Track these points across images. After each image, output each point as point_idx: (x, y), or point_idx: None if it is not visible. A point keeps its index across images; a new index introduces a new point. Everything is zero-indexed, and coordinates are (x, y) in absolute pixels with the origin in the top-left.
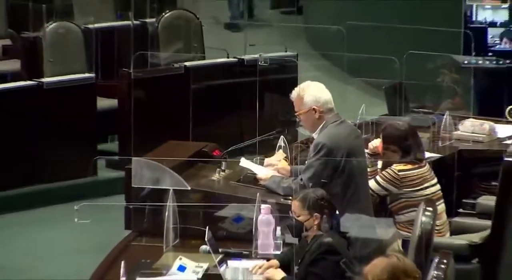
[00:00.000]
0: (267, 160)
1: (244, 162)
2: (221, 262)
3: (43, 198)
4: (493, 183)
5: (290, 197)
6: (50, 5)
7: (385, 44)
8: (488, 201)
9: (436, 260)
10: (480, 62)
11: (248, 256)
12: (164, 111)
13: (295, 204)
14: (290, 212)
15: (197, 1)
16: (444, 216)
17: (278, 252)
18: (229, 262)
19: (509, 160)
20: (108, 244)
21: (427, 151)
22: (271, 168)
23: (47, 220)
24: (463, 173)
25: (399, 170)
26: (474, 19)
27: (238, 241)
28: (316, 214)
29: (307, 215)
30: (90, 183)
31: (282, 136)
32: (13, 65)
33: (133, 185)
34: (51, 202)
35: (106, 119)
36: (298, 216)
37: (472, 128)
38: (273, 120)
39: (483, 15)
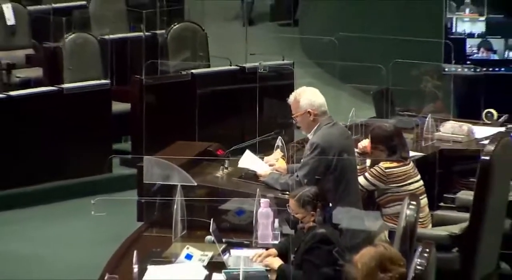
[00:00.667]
0: (266, 159)
1: (247, 155)
2: (224, 251)
3: (63, 193)
4: (471, 179)
5: (287, 192)
6: (69, 18)
7: (373, 53)
8: (466, 195)
9: (419, 249)
10: (459, 69)
11: (249, 246)
12: (173, 114)
13: (292, 203)
14: (287, 206)
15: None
16: (427, 209)
17: (276, 242)
18: (231, 251)
19: (485, 159)
20: (121, 234)
21: (411, 150)
22: (269, 164)
23: (67, 213)
24: (444, 170)
25: (386, 168)
26: (454, 30)
27: (240, 232)
28: (311, 211)
29: (303, 213)
30: (106, 179)
31: (279, 137)
32: (36, 72)
33: (144, 181)
34: (71, 197)
35: (120, 122)
36: (295, 214)
37: (452, 130)
38: (272, 122)
39: (462, 27)
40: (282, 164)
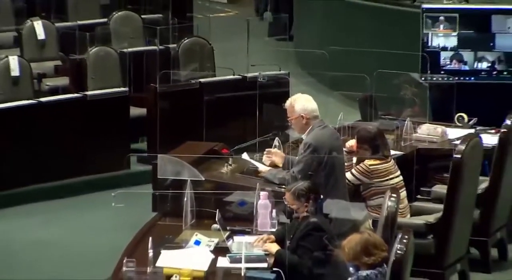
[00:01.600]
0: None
1: (246, 156)
2: (228, 237)
3: (88, 187)
4: (445, 175)
5: (284, 186)
6: (92, 33)
7: (358, 64)
8: (440, 189)
9: (399, 236)
10: (434, 79)
11: (250, 233)
12: (183, 118)
13: (288, 196)
14: (283, 198)
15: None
16: (406, 201)
17: (274, 230)
18: (235, 237)
19: (457, 157)
20: (138, 223)
21: (392, 149)
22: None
23: (91, 204)
24: (421, 167)
25: (370, 165)
26: (429, 44)
27: (242, 221)
28: (304, 202)
29: (298, 204)
30: (124, 175)
31: (277, 138)
32: (63, 81)
33: (158, 176)
34: (94, 190)
35: (137, 124)
36: (291, 205)
37: (427, 131)
38: (270, 125)
39: (437, 41)
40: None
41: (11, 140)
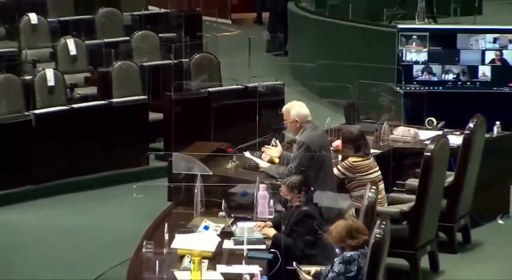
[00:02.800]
0: (263, 155)
1: (248, 153)
2: (232, 223)
3: (112, 180)
4: (417, 170)
5: (280, 180)
6: (117, 50)
7: (343, 76)
8: (413, 182)
9: (378, 222)
10: (407, 88)
11: (251, 219)
12: (194, 122)
13: (283, 188)
14: (279, 190)
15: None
16: (383, 192)
17: (271, 217)
18: (238, 223)
19: (427, 155)
20: (155, 211)
21: (372, 148)
22: (266, 158)
23: (115, 195)
24: (396, 163)
25: (353, 161)
26: (404, 59)
27: (244, 209)
28: (297, 193)
29: (292, 195)
30: (144, 170)
31: (274, 138)
32: (92, 90)
33: (173, 171)
34: (118, 183)
35: (155, 127)
36: (286, 196)
37: (402, 133)
38: (268, 127)
39: (410, 56)
40: (275, 155)
41: (48, 141)
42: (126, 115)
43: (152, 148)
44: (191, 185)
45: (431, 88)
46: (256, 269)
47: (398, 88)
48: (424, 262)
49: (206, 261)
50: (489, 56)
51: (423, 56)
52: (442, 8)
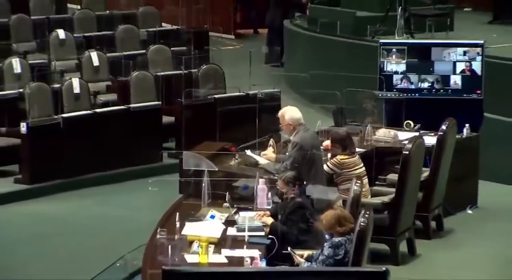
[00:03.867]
0: (263, 153)
1: (248, 152)
2: (235, 213)
3: (131, 175)
4: (396, 166)
5: (277, 175)
6: (134, 61)
7: (332, 84)
8: (393, 177)
9: (362, 212)
10: (388, 95)
11: (251, 209)
12: (202, 124)
13: (279, 182)
14: (276, 184)
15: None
16: (367, 186)
17: (269, 207)
18: (240, 213)
19: (405, 153)
20: (168, 202)
21: (357, 147)
22: (265, 156)
23: (133, 188)
24: (378, 160)
25: (341, 159)
26: (385, 69)
27: (246, 201)
28: (292, 187)
29: (287, 188)
30: (158, 166)
31: (271, 139)
32: (113, 96)
33: (184, 168)
34: (135, 178)
35: (168, 129)
36: (282, 189)
37: (383, 134)
38: (266, 129)
39: (390, 67)
40: (272, 155)
41: (74, 141)
42: (142, 118)
43: (165, 147)
44: (199, 179)
45: (409, 95)
46: (256, 253)
47: (380, 95)
48: (403, 247)
49: (212, 246)
50: (460, 66)
51: (402, 67)
52: (419, 25)
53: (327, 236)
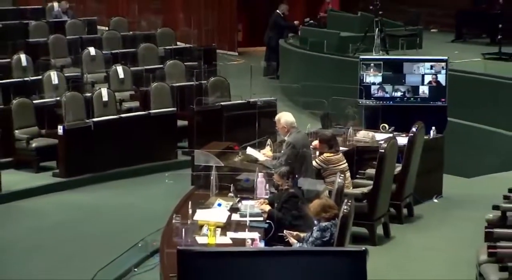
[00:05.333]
0: (262, 151)
1: (249, 150)
2: (238, 201)
3: (150, 170)
4: (374, 162)
5: (273, 170)
6: (154, 74)
7: (320, 93)
8: (371, 171)
9: (345, 201)
10: (367, 102)
11: (252, 199)
12: (210, 127)
13: (275, 176)
14: (273, 177)
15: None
16: (349, 179)
17: (267, 197)
18: (242, 201)
19: (382, 151)
20: (182, 193)
21: (341, 147)
22: (263, 154)
23: (152, 181)
24: (359, 157)
25: (327, 156)
26: (364, 81)
27: (247, 191)
28: (286, 180)
29: (282, 181)
30: (174, 162)
31: (269, 139)
32: (135, 104)
33: (195, 163)
34: (154, 172)
35: (181, 131)
36: (277, 181)
37: (363, 135)
38: (264, 131)
39: (369, 79)
40: (269, 153)
41: (103, 141)
42: (160, 122)
43: (179, 146)
44: (208, 173)
45: (384, 102)
46: (256, 235)
47: (360, 102)
48: (379, 230)
49: (219, 229)
50: (427, 78)
51: (378, 79)
52: (392, 43)
53: (315, 221)
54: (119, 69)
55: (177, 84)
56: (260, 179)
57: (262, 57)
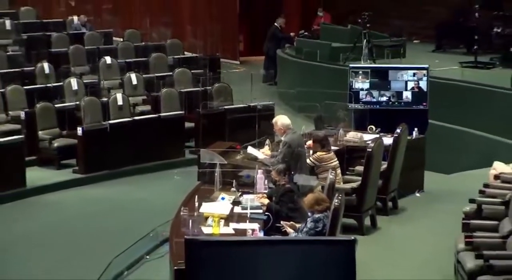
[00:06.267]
0: (261, 150)
1: (250, 149)
2: (240, 195)
3: (160, 167)
4: (362, 160)
5: (271, 167)
6: (164, 80)
7: (314, 98)
8: (360, 168)
9: (336, 195)
10: (356, 106)
11: (252, 193)
12: (214, 128)
13: (273, 173)
14: (271, 174)
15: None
16: (340, 175)
17: (266, 191)
18: (244, 195)
19: (369, 150)
20: (189, 188)
21: (332, 146)
22: (262, 153)
23: (162, 177)
24: (348, 156)
25: (320, 155)
26: (353, 86)
27: (248, 186)
28: (283, 176)
29: (279, 177)
30: (181, 160)
31: (267, 139)
32: (147, 107)
33: (201, 161)
34: (164, 169)
35: (189, 131)
36: (275, 177)
37: (352, 136)
38: (263, 132)
39: (358, 85)
40: (268, 152)
41: (118, 141)
42: (170, 124)
43: (186, 146)
44: (212, 170)
45: (372, 106)
46: (256, 226)
47: (350, 106)
48: (367, 221)
49: (222, 221)
50: (410, 85)
51: (366, 85)
52: (379, 53)
53: (309, 213)
54: (133, 76)
55: (185, 90)
56: (259, 175)
57: (262, 66)
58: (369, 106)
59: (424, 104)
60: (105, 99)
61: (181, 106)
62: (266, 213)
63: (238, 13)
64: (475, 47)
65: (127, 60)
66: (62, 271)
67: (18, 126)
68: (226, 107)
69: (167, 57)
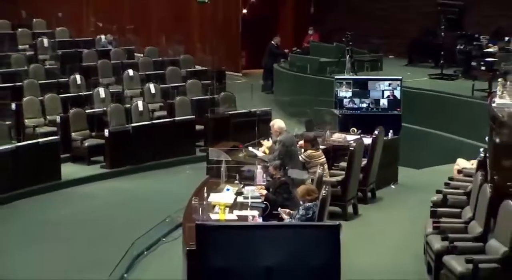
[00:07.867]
0: (260, 149)
1: (250, 148)
2: (242, 187)
3: (174, 163)
4: (345, 157)
5: (269, 163)
6: (178, 90)
7: (305, 104)
8: (344, 164)
9: (324, 187)
10: (340, 112)
11: (252, 185)
12: (221, 131)
13: (270, 168)
14: (268, 169)
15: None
16: (327, 169)
17: (264, 184)
18: (245, 187)
19: (351, 149)
20: (199, 181)
21: (320, 145)
22: (261, 151)
23: (176, 171)
24: (334, 153)
25: (310, 153)
26: (338, 95)
27: (249, 179)
28: (279, 171)
29: (276, 172)
30: (193, 157)
31: (266, 139)
32: (164, 113)
33: (209, 158)
34: (178, 165)
35: (199, 133)
36: (272, 172)
37: (337, 137)
38: (262, 133)
39: (342, 93)
40: (266, 150)
41: (139, 141)
42: (183, 126)
43: (197, 145)
44: (219, 165)
45: (354, 111)
46: (255, 213)
47: (335, 111)
48: (350, 209)
49: (227, 208)
50: (386, 93)
51: (349, 94)
52: (360, 67)
53: (301, 202)
54: (151, 86)
55: (196, 98)
56: (259, 170)
57: (261, 77)
58: (351, 111)
59: (398, 109)
60: (128, 105)
61: (192, 111)
62: (264, 202)
63: (241, 33)
64: (441, 61)
65: (147, 73)
66: (92, 250)
67: (54, 129)
68: (230, 112)
69: (181, 70)
